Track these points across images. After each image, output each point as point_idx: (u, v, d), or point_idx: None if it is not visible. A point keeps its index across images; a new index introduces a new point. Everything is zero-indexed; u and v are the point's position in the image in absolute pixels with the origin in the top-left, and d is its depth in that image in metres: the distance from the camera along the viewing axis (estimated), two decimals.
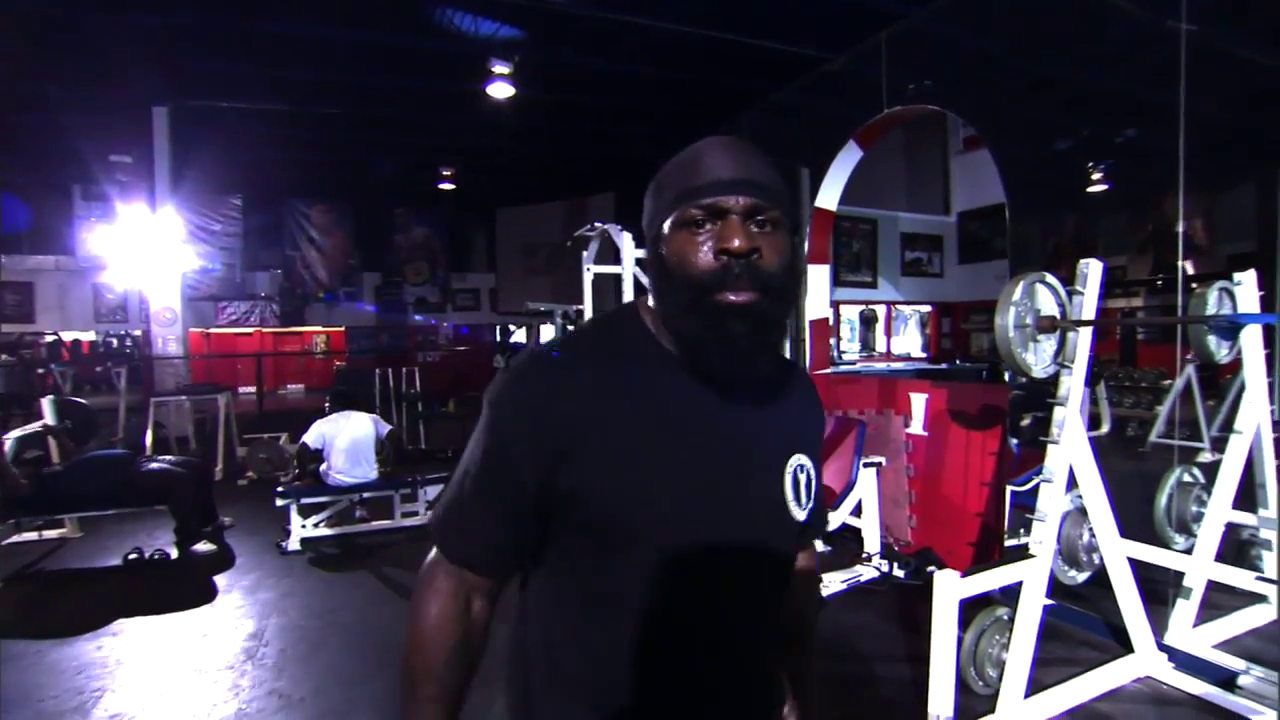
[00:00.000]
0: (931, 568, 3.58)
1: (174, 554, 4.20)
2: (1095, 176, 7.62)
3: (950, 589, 2.18)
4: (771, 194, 0.74)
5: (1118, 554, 2.71)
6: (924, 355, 7.65)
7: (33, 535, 4.54)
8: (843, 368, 6.70)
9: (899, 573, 3.69)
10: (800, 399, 0.91)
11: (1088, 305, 2.47)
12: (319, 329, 14.69)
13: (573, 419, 0.73)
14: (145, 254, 7.57)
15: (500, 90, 6.95)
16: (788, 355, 5.78)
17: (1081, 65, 4.71)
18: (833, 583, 3.54)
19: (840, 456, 3.69)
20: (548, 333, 7.68)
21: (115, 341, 12.08)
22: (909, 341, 7.69)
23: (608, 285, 5.22)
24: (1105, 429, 6.81)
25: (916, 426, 4.12)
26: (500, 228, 15.30)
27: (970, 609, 2.53)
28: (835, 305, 6.98)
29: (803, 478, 0.84)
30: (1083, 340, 2.48)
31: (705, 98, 7.49)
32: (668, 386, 0.77)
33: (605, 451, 0.73)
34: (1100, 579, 2.87)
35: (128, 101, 7.11)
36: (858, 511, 3.77)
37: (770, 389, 0.85)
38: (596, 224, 5.60)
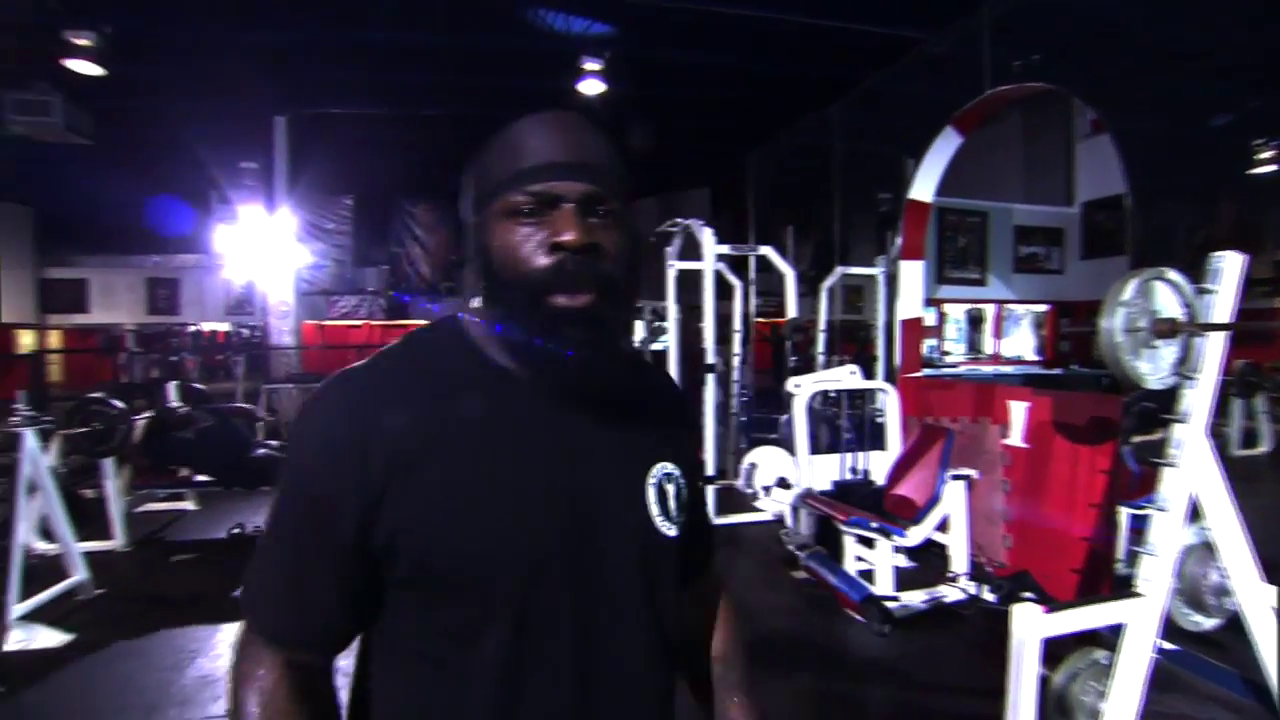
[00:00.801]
0: (1028, 594, 3.23)
1: None
2: (1263, 156, 6.56)
3: (1031, 626, 1.92)
4: (612, 181, 0.66)
5: (1258, 601, 2.30)
6: (1037, 359, 6.96)
7: (160, 506, 5.06)
8: (944, 371, 6.24)
9: (989, 596, 3.35)
10: (659, 399, 0.80)
11: (1220, 306, 2.10)
12: (424, 323, 15.49)
13: (386, 454, 0.62)
14: (264, 251, 8.27)
15: (592, 87, 7.00)
16: (833, 355, 5.38)
17: (1237, 27, 4.07)
18: (911, 601, 3.28)
19: (924, 467, 3.40)
20: (638, 329, 7.69)
21: (246, 332, 13.34)
22: (1021, 343, 7.03)
23: (693, 281, 5.17)
24: (1264, 447, 5.92)
25: (1015, 437, 3.73)
26: None
27: (1068, 644, 2.23)
28: (938, 304, 6.51)
29: (670, 488, 0.72)
30: (1212, 347, 2.11)
31: (797, 88, 7.23)
32: (498, 407, 0.66)
33: (423, 490, 0.62)
34: (1239, 623, 2.45)
35: (254, 113, 7.82)
36: (943, 527, 3.47)
37: (619, 394, 0.74)
38: (679, 220, 5.52)
